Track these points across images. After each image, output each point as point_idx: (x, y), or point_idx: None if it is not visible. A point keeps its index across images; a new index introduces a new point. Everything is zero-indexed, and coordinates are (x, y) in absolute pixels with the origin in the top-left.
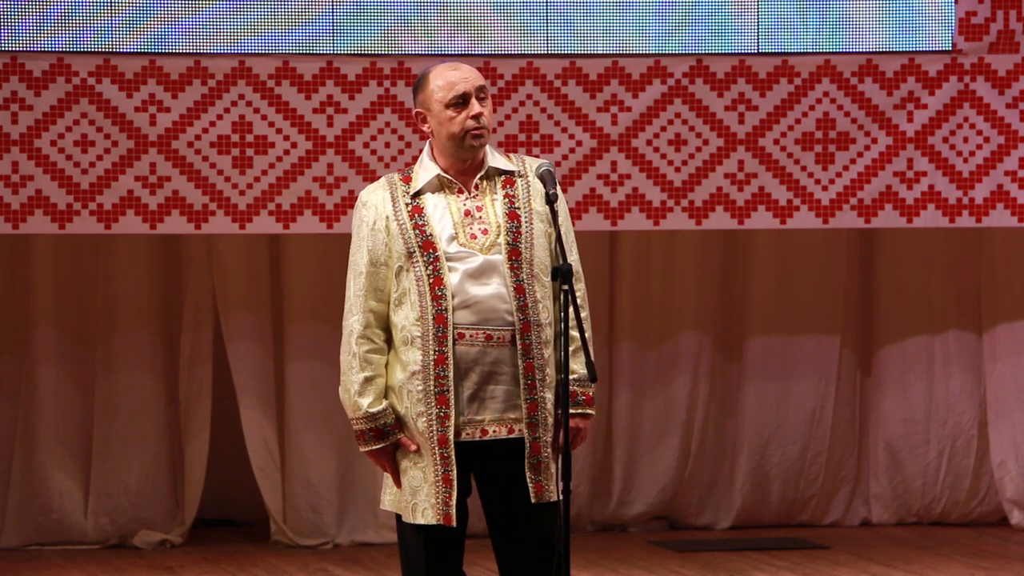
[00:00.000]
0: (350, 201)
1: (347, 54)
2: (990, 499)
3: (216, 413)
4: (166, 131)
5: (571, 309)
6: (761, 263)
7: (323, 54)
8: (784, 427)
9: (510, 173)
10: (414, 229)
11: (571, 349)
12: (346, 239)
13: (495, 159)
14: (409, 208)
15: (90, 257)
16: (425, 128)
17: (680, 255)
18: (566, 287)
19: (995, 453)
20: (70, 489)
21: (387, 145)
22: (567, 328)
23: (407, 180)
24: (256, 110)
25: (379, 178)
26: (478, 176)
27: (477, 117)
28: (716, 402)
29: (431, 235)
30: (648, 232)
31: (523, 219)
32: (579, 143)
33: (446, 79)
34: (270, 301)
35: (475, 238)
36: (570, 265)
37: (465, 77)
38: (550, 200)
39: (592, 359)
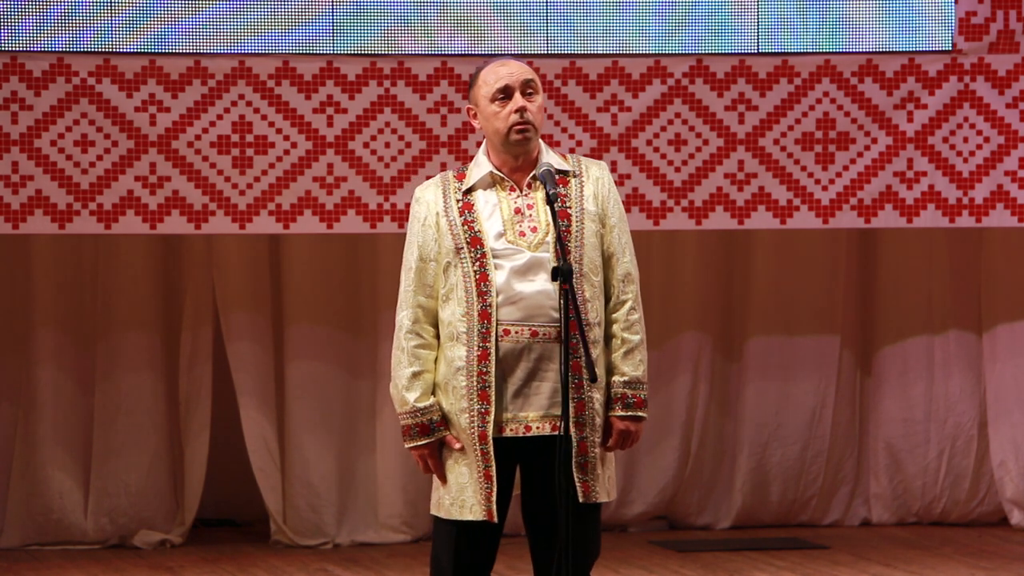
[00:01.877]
0: (350, 201)
1: (347, 54)
2: (990, 499)
3: (216, 413)
4: (166, 131)
5: (572, 309)
6: (761, 263)
7: (323, 54)
8: (784, 427)
9: (564, 172)
10: (463, 225)
11: (623, 351)
12: (346, 238)
13: (549, 158)
14: (460, 204)
15: (90, 257)
16: (476, 124)
17: (680, 255)
18: (567, 287)
19: (995, 453)
20: (70, 489)
21: (387, 145)
22: (567, 328)
23: (461, 177)
24: (256, 110)
25: (379, 178)
26: (531, 175)
27: (521, 111)
28: (716, 402)
29: (479, 231)
30: (648, 232)
31: (574, 218)
32: (579, 143)
33: (494, 74)
34: (270, 301)
35: (524, 235)
36: (569, 265)
37: (511, 72)
38: (549, 200)
39: (592, 360)
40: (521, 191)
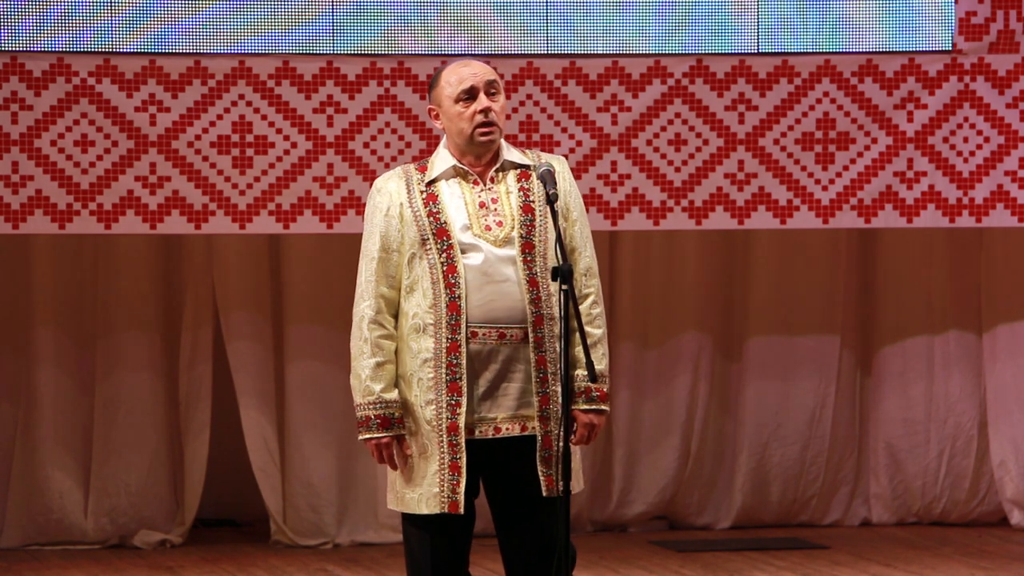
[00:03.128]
0: (350, 201)
1: (347, 54)
2: (990, 499)
3: (216, 413)
4: (166, 131)
5: (572, 308)
6: (761, 263)
7: (323, 54)
8: (784, 427)
9: (525, 167)
10: (428, 216)
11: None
12: (346, 238)
13: (510, 153)
14: (424, 195)
15: (90, 257)
16: (438, 125)
17: (680, 255)
18: (565, 287)
19: (995, 453)
20: (70, 489)
21: (387, 145)
22: (567, 325)
23: (423, 170)
24: (256, 110)
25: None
26: (493, 169)
27: (485, 111)
28: (716, 402)
29: (445, 223)
30: (648, 232)
31: (537, 213)
32: (579, 143)
33: (457, 75)
34: (270, 301)
35: (489, 230)
36: (569, 265)
37: (475, 72)
38: (550, 200)
39: (591, 357)
40: (484, 185)
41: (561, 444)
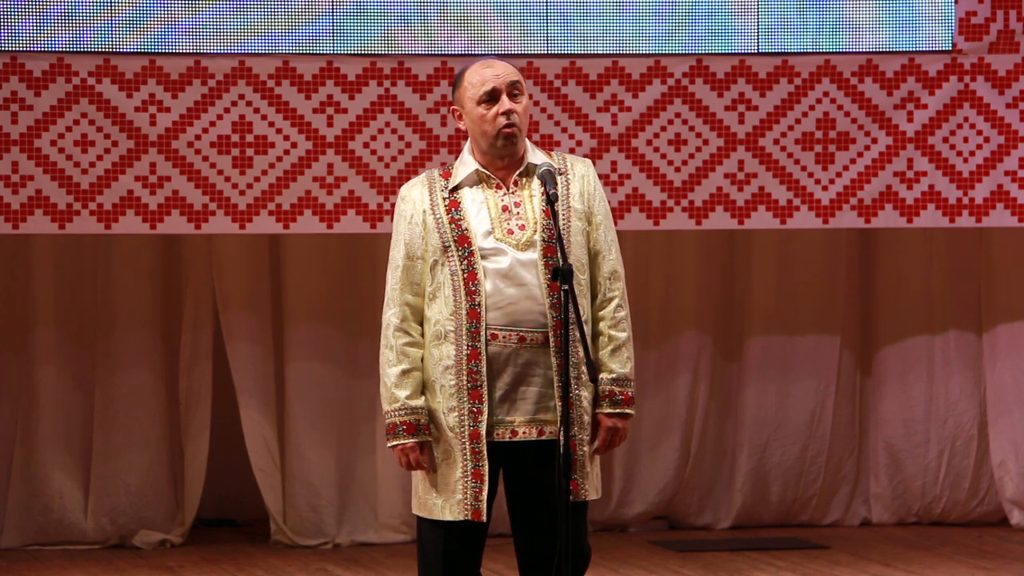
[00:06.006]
0: (350, 201)
1: (347, 54)
2: (990, 499)
3: (216, 413)
4: (166, 131)
5: (573, 310)
6: (761, 263)
7: (323, 54)
8: (784, 427)
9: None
10: (450, 223)
11: (610, 348)
12: (346, 238)
13: (535, 155)
14: (446, 202)
15: (90, 257)
16: (461, 125)
17: (680, 255)
18: (566, 287)
19: (995, 453)
20: (70, 489)
21: (387, 145)
22: (565, 327)
23: (447, 175)
24: (256, 110)
25: (379, 178)
26: (517, 172)
27: (508, 114)
28: (716, 402)
29: (467, 229)
30: (648, 232)
31: (561, 216)
32: (579, 143)
33: (479, 76)
34: (270, 301)
35: (512, 233)
36: (570, 265)
37: (497, 74)
38: (549, 200)
39: (591, 359)
40: (507, 189)
41: (598, 446)
